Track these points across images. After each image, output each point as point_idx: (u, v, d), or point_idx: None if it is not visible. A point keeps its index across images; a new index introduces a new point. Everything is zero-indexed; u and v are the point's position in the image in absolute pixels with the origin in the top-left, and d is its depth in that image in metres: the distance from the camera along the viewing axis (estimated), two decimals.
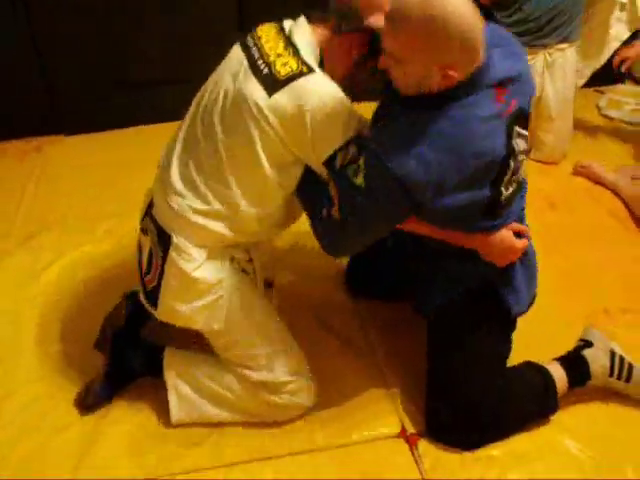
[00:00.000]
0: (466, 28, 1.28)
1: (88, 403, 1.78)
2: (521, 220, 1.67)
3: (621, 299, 2.15)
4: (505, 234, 1.57)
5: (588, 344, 1.82)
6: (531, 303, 1.76)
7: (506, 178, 1.48)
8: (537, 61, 2.69)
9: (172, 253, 1.58)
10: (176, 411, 1.73)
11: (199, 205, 1.54)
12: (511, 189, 1.52)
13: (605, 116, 3.21)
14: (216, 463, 1.68)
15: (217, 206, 1.54)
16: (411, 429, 1.76)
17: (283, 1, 2.25)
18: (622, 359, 1.78)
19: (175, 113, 3.09)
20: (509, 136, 1.45)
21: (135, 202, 2.57)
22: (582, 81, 2.93)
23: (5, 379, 1.90)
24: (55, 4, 2.76)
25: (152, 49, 2.94)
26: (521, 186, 1.61)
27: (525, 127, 1.52)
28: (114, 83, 2.99)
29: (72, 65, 2.91)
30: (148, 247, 1.64)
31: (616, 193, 2.63)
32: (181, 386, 1.72)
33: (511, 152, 1.46)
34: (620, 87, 3.44)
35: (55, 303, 2.15)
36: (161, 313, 1.67)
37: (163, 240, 1.59)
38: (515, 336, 1.83)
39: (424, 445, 1.72)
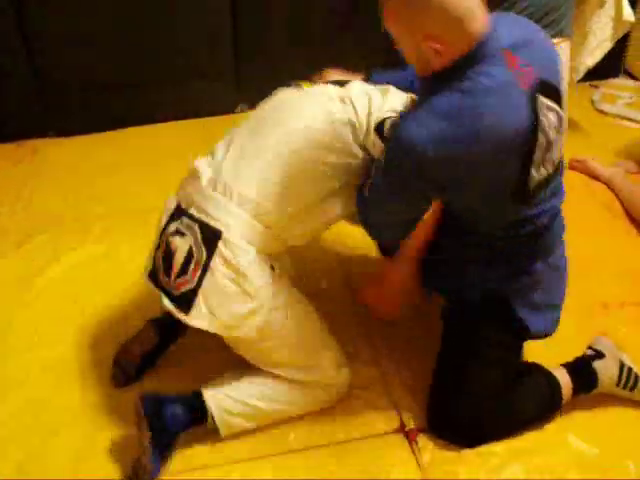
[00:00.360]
0: None
1: None
2: (557, 224, 1.62)
3: (619, 293, 2.15)
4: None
5: (599, 355, 1.78)
6: (555, 326, 1.73)
7: (537, 157, 1.39)
8: None
9: (221, 247, 1.53)
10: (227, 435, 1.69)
11: (264, 213, 1.58)
12: (544, 171, 1.44)
13: (599, 110, 3.21)
14: (215, 462, 1.68)
15: (275, 216, 1.58)
16: (410, 424, 1.75)
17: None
18: (630, 370, 1.76)
19: (170, 114, 3.12)
20: (534, 108, 1.36)
21: (130, 203, 2.59)
22: (577, 77, 2.92)
23: None
24: (47, 5, 2.75)
25: (146, 50, 2.94)
26: (557, 171, 1.52)
27: (557, 102, 1.43)
28: (108, 85, 2.99)
29: (65, 66, 2.90)
30: (186, 248, 1.57)
31: (611, 188, 2.63)
32: (232, 420, 1.67)
33: (538, 126, 1.37)
34: (614, 81, 3.44)
35: (50, 306, 2.14)
36: (195, 317, 1.56)
37: (209, 237, 1.55)
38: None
39: (423, 440, 1.71)
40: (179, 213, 1.63)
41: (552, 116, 1.42)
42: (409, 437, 1.72)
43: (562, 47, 2.68)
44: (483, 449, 1.68)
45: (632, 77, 3.49)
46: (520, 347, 1.74)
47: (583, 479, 1.63)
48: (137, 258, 2.27)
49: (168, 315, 1.67)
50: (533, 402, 1.73)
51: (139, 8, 2.84)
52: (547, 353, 1.84)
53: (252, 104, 3.13)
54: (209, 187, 1.60)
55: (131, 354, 1.84)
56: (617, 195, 2.58)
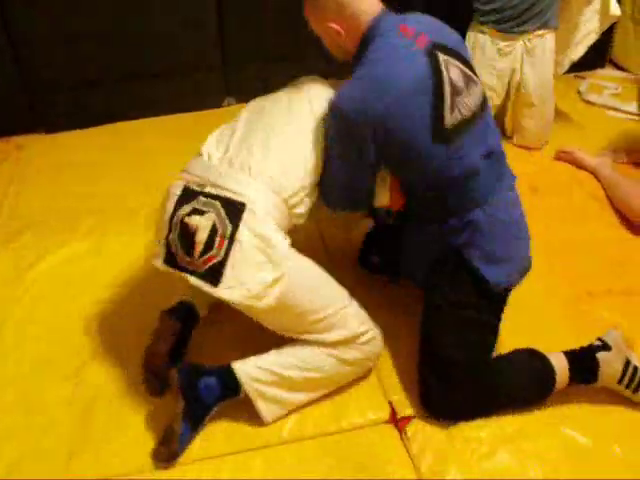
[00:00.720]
0: None
1: (173, 450, 1.66)
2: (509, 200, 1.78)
3: (605, 281, 2.17)
4: None
5: (605, 347, 1.77)
6: (522, 275, 1.80)
7: (446, 99, 1.62)
8: (516, 47, 2.70)
9: (246, 218, 1.59)
10: (267, 414, 1.72)
11: (278, 188, 1.66)
12: (459, 115, 1.65)
13: (586, 101, 3.23)
14: (206, 454, 1.68)
15: (288, 191, 1.67)
16: (401, 413, 1.76)
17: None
18: (636, 369, 1.74)
19: (156, 109, 3.11)
20: (433, 61, 1.62)
21: (117, 199, 2.58)
22: (561, 70, 2.94)
23: None
24: (32, 3, 2.74)
25: (131, 46, 2.93)
26: (478, 119, 1.70)
27: (464, 63, 1.70)
28: (93, 81, 2.98)
29: (50, 63, 2.89)
30: (209, 224, 1.60)
31: (597, 178, 2.65)
32: (264, 389, 1.69)
33: (440, 75, 1.62)
34: (600, 72, 3.46)
35: (39, 302, 2.13)
36: (224, 288, 1.58)
37: (233, 210, 1.60)
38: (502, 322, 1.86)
39: (413, 429, 1.73)
40: (191, 195, 1.67)
41: (455, 69, 1.66)
42: (399, 427, 1.74)
43: (547, 39, 2.70)
44: (472, 435, 1.70)
45: (618, 68, 3.51)
46: (490, 308, 1.76)
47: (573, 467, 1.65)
48: (125, 253, 2.31)
49: (181, 304, 1.81)
50: (524, 380, 1.75)
51: (122, 3, 2.83)
52: (532, 339, 1.85)
53: (239, 98, 3.16)
54: (223, 164, 1.68)
55: (158, 355, 1.78)
56: (603, 185, 2.60)
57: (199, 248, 1.60)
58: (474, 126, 1.69)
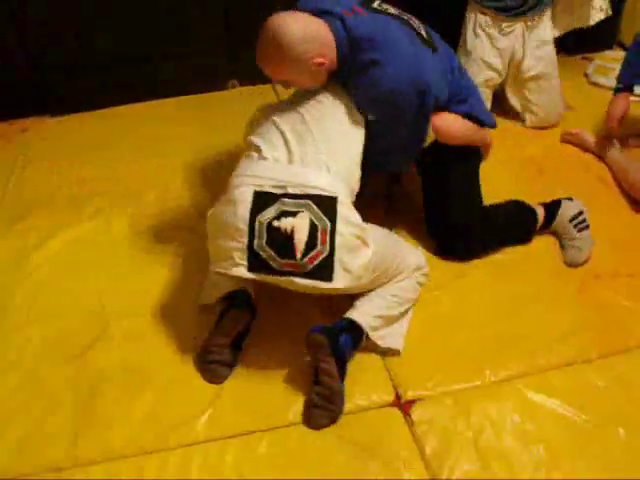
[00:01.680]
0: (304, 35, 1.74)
1: (339, 408, 1.74)
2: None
3: (611, 264, 2.16)
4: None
5: (570, 199, 2.26)
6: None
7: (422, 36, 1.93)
8: (517, 27, 2.69)
9: (340, 209, 1.69)
10: (394, 345, 1.88)
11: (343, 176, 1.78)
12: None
13: (593, 83, 3.19)
14: (211, 436, 1.69)
15: (346, 179, 1.79)
16: (405, 396, 1.77)
17: None
18: (585, 219, 2.21)
19: (161, 91, 3.10)
20: (400, 20, 1.92)
21: (122, 180, 2.58)
22: (557, 33, 2.90)
23: None
24: None
25: (136, 27, 2.91)
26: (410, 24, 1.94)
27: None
28: (98, 64, 2.96)
29: (54, 46, 2.88)
30: (306, 224, 1.66)
31: (604, 159, 2.63)
32: (381, 333, 1.85)
33: (409, 24, 1.93)
34: (607, 53, 3.42)
35: (43, 285, 2.14)
36: (337, 280, 1.70)
37: (327, 205, 1.69)
38: (507, 302, 1.87)
39: (417, 412, 1.73)
40: (270, 198, 1.69)
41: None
42: (404, 409, 1.74)
43: (546, 14, 2.70)
44: (476, 419, 1.70)
45: (625, 49, 3.46)
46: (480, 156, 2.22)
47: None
48: (132, 234, 2.30)
49: (238, 294, 1.84)
50: (517, 219, 2.23)
51: None
52: (539, 321, 1.88)
53: (244, 79, 3.14)
54: (296, 165, 1.74)
55: (224, 339, 1.82)
56: (609, 167, 2.58)
57: (301, 248, 1.66)
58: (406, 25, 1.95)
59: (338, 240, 1.67)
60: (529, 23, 2.69)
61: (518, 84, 2.85)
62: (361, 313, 1.83)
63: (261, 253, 1.68)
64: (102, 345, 1.92)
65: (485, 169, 2.22)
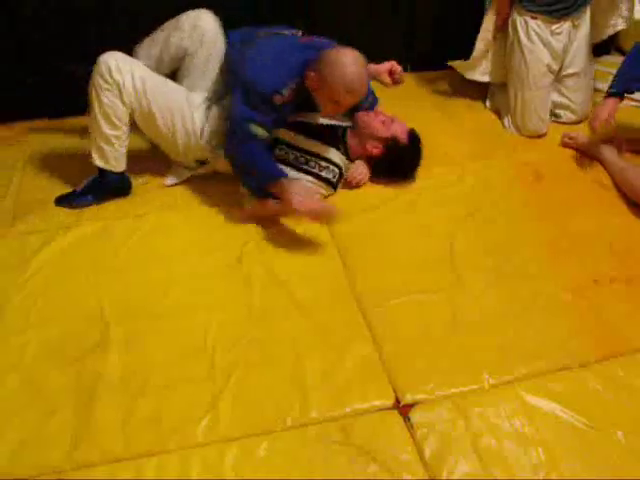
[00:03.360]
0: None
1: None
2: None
3: (610, 268, 2.16)
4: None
5: None
6: None
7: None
8: (565, 27, 2.77)
9: None
10: None
11: None
12: None
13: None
14: (210, 439, 1.69)
15: None
16: (404, 400, 1.77)
17: None
18: None
19: None
20: None
21: None
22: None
23: None
24: None
25: (139, 30, 2.91)
26: None
27: None
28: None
29: (54, 50, 2.88)
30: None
31: (603, 163, 2.63)
32: None
33: None
34: (606, 58, 3.44)
35: (44, 287, 2.13)
36: None
37: None
38: (505, 306, 1.87)
39: (416, 415, 1.73)
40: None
41: None
42: (403, 413, 1.74)
43: (587, 12, 2.82)
44: (476, 422, 1.70)
45: (624, 54, 3.47)
46: None
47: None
48: (132, 237, 2.30)
49: None
50: None
51: None
52: (538, 327, 1.87)
53: None
54: None
55: None
56: (608, 171, 2.59)
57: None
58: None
59: None
60: (575, 22, 2.77)
61: (556, 81, 2.91)
62: None
63: None
64: (102, 348, 1.92)
65: (483, 176, 2.23)
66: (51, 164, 2.73)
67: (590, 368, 1.84)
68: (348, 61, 2.13)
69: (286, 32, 2.46)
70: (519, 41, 2.79)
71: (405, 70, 2.62)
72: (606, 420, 1.71)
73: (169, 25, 2.48)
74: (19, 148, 2.84)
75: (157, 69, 2.45)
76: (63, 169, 2.69)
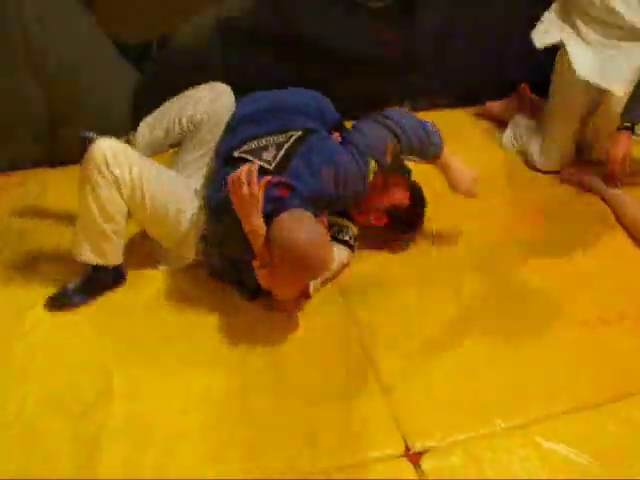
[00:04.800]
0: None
1: None
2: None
3: (617, 305, 2.15)
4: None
5: None
6: None
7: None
8: None
9: None
10: None
11: None
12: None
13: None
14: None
15: None
16: (414, 447, 1.74)
17: None
18: None
19: None
20: None
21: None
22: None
23: None
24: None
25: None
26: None
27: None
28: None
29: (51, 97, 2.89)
30: None
31: (604, 199, 2.63)
32: None
33: None
34: None
35: (46, 338, 2.09)
36: None
37: None
38: (510, 348, 1.89)
39: (427, 462, 1.71)
40: None
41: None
42: (413, 461, 1.71)
43: None
44: (486, 467, 1.67)
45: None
46: None
47: None
48: (133, 285, 2.28)
49: None
50: None
51: None
52: (546, 366, 1.87)
53: None
54: None
55: None
56: (610, 205, 2.58)
57: None
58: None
59: None
60: None
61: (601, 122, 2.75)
62: None
63: None
64: (105, 399, 1.88)
65: (489, 214, 2.22)
66: (50, 213, 2.67)
67: (604, 409, 1.81)
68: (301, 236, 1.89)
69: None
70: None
71: None
72: (623, 463, 1.68)
73: (183, 97, 2.35)
74: (16, 198, 2.75)
75: (161, 145, 2.38)
76: (63, 219, 2.64)
